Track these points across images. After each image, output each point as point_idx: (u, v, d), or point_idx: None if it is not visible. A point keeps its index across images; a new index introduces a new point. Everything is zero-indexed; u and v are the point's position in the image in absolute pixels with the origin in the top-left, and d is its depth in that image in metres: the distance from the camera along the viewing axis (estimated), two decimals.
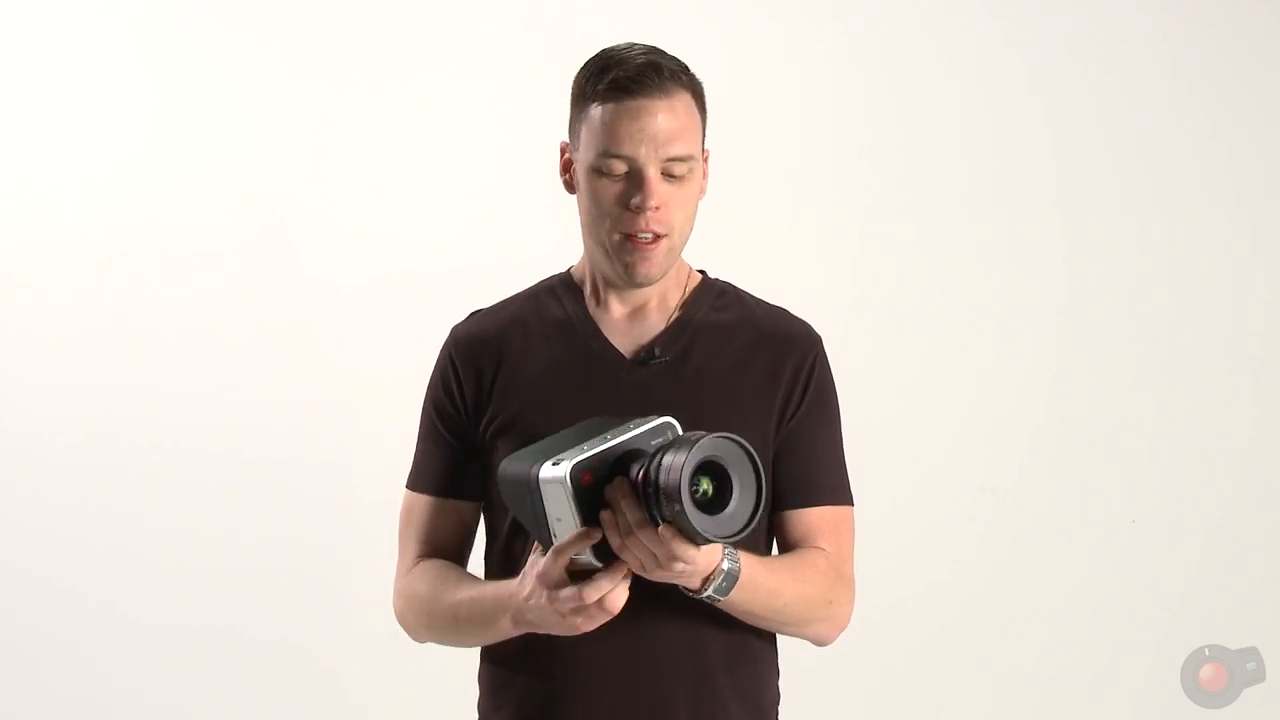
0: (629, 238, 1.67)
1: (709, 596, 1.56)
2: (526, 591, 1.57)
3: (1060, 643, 3.30)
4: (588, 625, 1.54)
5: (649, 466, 1.45)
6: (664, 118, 1.65)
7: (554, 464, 1.48)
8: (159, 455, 3.30)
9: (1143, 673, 3.27)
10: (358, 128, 3.35)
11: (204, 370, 3.31)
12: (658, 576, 1.51)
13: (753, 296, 1.82)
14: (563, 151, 1.75)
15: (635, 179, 1.66)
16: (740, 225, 3.23)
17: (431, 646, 1.83)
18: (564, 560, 1.52)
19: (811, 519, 1.72)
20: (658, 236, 1.67)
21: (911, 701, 3.30)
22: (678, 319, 1.76)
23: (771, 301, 1.83)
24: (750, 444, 1.46)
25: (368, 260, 3.33)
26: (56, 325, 3.32)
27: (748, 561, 1.57)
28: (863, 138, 3.36)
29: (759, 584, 1.59)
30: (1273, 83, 3.37)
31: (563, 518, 1.49)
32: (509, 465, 1.56)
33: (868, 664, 3.15)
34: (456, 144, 3.34)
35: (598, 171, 1.67)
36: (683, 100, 1.68)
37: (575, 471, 1.46)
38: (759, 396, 1.72)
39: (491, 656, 1.76)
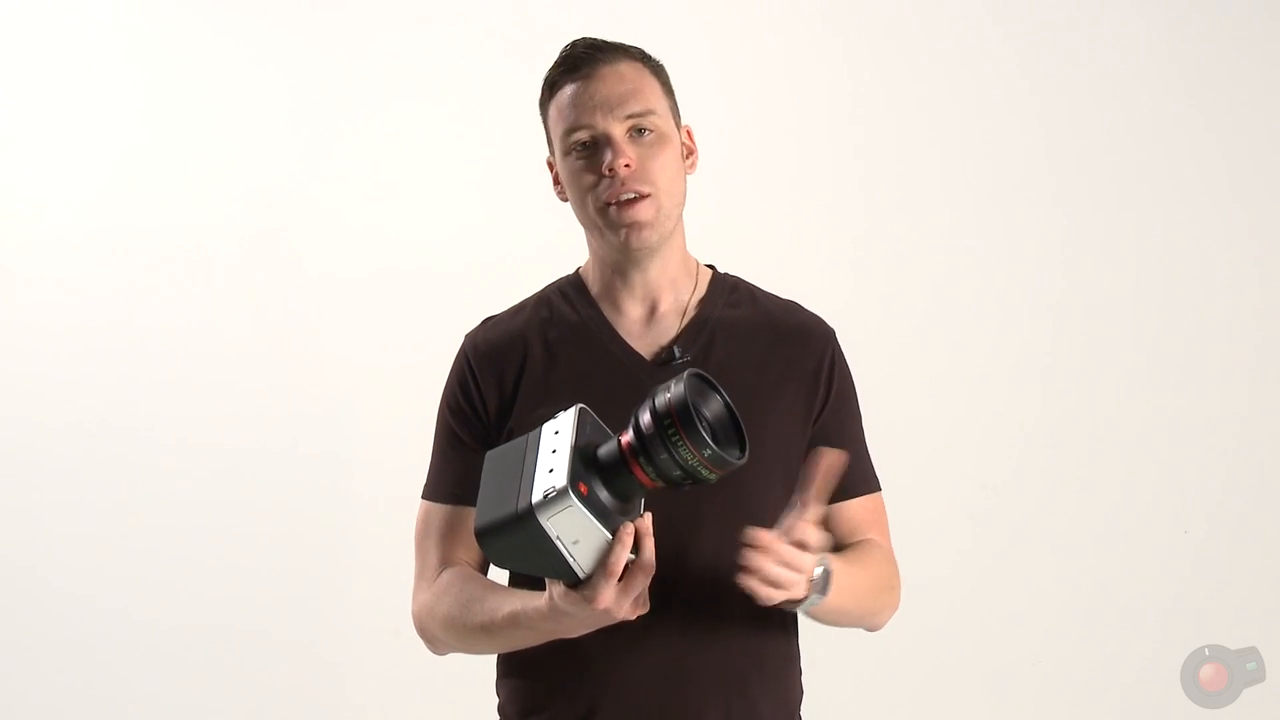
0: (614, 205, 1.67)
1: (813, 599, 1.54)
2: (563, 609, 1.49)
3: (1060, 642, 3.30)
4: (640, 602, 1.46)
5: (642, 445, 1.41)
6: (611, 80, 1.68)
7: (543, 495, 1.40)
8: (159, 450, 3.28)
9: (1142, 673, 3.27)
10: (357, 124, 3.34)
11: (205, 366, 3.29)
12: (777, 580, 1.48)
13: (763, 291, 1.82)
14: (549, 167, 1.77)
15: (602, 145, 1.68)
16: (741, 221, 3.22)
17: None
18: (619, 570, 1.44)
19: (853, 511, 1.75)
20: (641, 195, 1.67)
21: (911, 700, 3.30)
22: (694, 318, 1.75)
23: (781, 295, 1.83)
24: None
25: (368, 257, 3.31)
26: (56, 321, 3.30)
27: (832, 558, 1.57)
28: (862, 135, 3.35)
29: (843, 579, 1.59)
30: (1270, 82, 3.37)
31: (581, 539, 1.41)
32: (481, 520, 1.45)
33: (866, 661, 3.15)
34: (456, 140, 3.33)
35: (570, 154, 1.69)
36: (630, 66, 1.71)
37: (574, 486, 1.40)
38: (782, 391, 1.73)
39: (517, 667, 1.73)
